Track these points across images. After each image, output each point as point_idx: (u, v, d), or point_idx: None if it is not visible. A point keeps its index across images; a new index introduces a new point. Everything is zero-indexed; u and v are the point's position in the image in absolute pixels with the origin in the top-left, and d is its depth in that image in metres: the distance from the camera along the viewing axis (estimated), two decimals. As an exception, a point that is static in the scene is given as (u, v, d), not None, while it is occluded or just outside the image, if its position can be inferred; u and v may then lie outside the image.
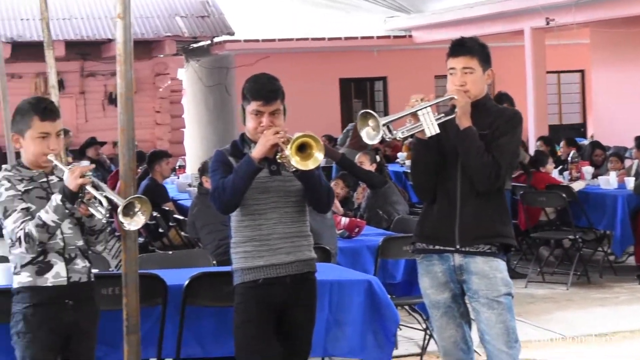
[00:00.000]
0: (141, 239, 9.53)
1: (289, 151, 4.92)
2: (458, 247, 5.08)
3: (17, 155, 7.31)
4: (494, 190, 5.11)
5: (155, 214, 9.73)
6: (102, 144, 16.78)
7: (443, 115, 5.08)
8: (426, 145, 5.09)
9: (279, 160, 5.08)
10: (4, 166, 5.03)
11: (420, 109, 4.95)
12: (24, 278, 4.86)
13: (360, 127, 4.92)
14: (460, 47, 5.18)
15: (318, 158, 4.97)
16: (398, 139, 5.09)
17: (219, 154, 5.27)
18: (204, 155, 14.21)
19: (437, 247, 5.14)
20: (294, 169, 5.01)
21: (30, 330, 4.82)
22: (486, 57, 5.19)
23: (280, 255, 5.14)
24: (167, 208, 10.84)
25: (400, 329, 6.09)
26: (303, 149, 4.96)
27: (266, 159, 5.07)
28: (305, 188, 5.16)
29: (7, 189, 4.84)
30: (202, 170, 9.13)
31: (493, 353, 5.05)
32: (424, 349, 7.77)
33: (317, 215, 5.65)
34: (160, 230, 10.04)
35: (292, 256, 5.17)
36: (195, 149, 19.19)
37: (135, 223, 4.76)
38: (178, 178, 13.74)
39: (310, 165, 4.97)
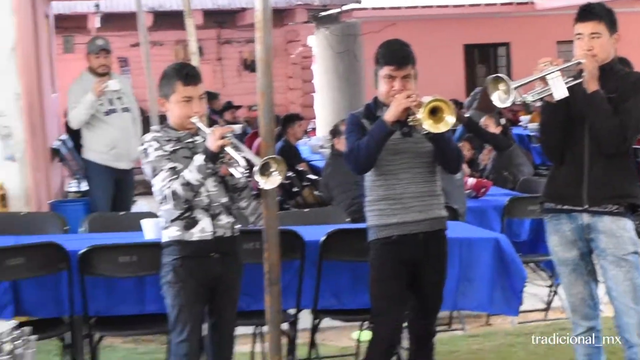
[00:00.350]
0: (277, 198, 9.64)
1: (421, 115, 4.91)
2: (586, 207, 5.01)
3: (161, 118, 7.46)
4: (621, 152, 5.01)
5: (289, 173, 9.83)
6: (238, 107, 16.97)
7: (571, 79, 4.99)
8: (555, 109, 5.02)
9: (410, 123, 5.07)
10: (153, 127, 5.14)
11: (550, 73, 4.88)
12: (173, 232, 4.96)
13: (491, 91, 4.87)
14: (588, 13, 5.07)
15: (449, 121, 4.95)
16: (528, 102, 5.02)
17: (353, 117, 5.30)
18: (333, 119, 14.24)
19: (565, 206, 5.08)
20: (425, 132, 5.01)
21: (179, 281, 4.93)
22: (613, 22, 5.09)
23: (412, 214, 5.15)
24: (301, 168, 10.93)
25: (526, 286, 6.02)
26: (435, 113, 4.94)
27: (398, 121, 5.06)
28: (436, 150, 5.15)
29: (155, 149, 4.94)
30: (334, 133, 9.17)
31: (620, 309, 4.99)
32: (548, 304, 7.71)
33: (446, 176, 5.62)
34: (295, 189, 10.13)
35: (424, 214, 5.18)
36: (325, 112, 19.25)
37: (271, 182, 4.81)
38: (310, 140, 13.83)
39: (441, 128, 4.96)
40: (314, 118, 18.66)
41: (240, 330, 5.29)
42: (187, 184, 4.83)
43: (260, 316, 5.38)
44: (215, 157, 4.84)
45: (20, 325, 2.97)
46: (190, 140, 5.02)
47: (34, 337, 2.97)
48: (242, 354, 6.11)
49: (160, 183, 4.90)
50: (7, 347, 2.84)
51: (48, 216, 7.25)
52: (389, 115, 5.02)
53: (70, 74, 10.07)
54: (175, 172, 4.88)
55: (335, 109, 18.51)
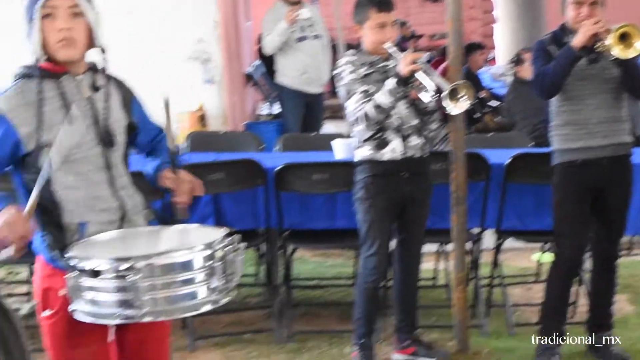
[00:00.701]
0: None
1: (610, 40, 4.74)
2: None
3: (348, 46, 7.46)
4: None
5: (472, 100, 9.70)
6: (420, 37, 16.83)
7: None
8: None
9: (598, 50, 4.90)
10: (348, 52, 5.14)
11: None
12: (365, 152, 4.98)
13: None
14: None
15: (638, 47, 4.76)
16: None
17: (539, 44, 5.16)
18: (513, 48, 13.92)
19: None
20: (613, 58, 4.83)
21: (369, 197, 4.96)
22: None
23: (597, 139, 5.00)
24: (482, 95, 10.78)
25: None
26: (624, 38, 4.76)
27: (585, 47, 4.89)
28: (624, 75, 4.96)
29: (350, 73, 4.94)
30: (516, 61, 9.00)
31: None
32: None
33: (631, 102, 5.43)
34: (476, 115, 10.01)
35: (609, 140, 5.01)
36: (504, 42, 18.86)
37: (459, 107, 4.73)
38: (490, 68, 13.61)
39: (631, 54, 4.76)
40: (494, 48, 18.33)
41: (424, 247, 5.28)
42: (378, 107, 4.82)
43: (445, 234, 5.37)
44: (405, 81, 4.80)
45: (230, 233, 3.01)
46: (382, 64, 5.00)
47: (243, 244, 3.02)
48: (425, 270, 6.10)
49: (353, 105, 4.91)
50: (219, 253, 2.90)
51: (245, 135, 7.39)
52: (577, 41, 4.86)
53: (262, 3, 10.16)
54: (367, 94, 4.88)
55: (514, 39, 18.10)
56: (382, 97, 4.81)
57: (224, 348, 5.56)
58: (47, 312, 3.15)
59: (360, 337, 5.13)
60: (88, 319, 2.91)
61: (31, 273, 5.97)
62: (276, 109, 10.17)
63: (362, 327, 5.12)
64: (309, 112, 9.00)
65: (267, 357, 5.40)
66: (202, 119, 8.25)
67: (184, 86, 8.21)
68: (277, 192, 5.58)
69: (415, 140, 4.98)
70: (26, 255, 3.10)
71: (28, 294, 6.09)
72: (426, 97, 4.85)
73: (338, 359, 5.33)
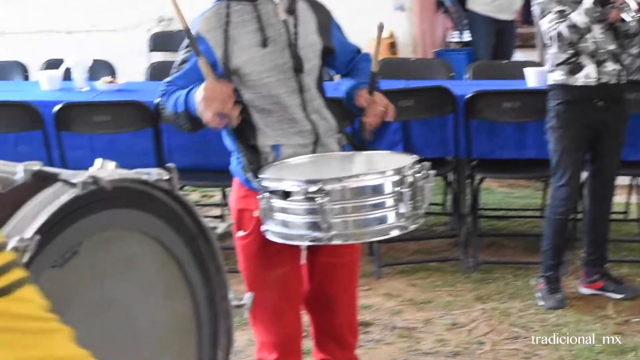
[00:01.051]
0: None
1: None
2: None
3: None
4: None
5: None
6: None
7: None
8: None
9: None
10: None
11: None
12: (558, 76, 4.87)
13: None
14: None
15: None
16: None
17: None
18: None
19: None
20: None
21: (561, 126, 4.86)
22: None
23: None
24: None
25: None
26: None
27: None
28: None
29: None
30: None
31: None
32: None
33: None
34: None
35: None
36: None
37: None
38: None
39: None
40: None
41: (616, 180, 5.14)
42: (572, 26, 4.69)
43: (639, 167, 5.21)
44: (605, 1, 4.64)
45: (420, 160, 3.00)
46: None
47: (432, 172, 3.00)
48: (617, 203, 5.97)
49: (547, 24, 4.80)
50: (409, 179, 2.89)
51: (435, 63, 7.33)
52: None
53: None
54: (563, 15, 4.75)
55: None
56: (578, 17, 4.68)
57: (409, 276, 5.61)
58: (242, 233, 3.24)
59: (547, 269, 5.08)
60: (278, 240, 2.98)
61: (224, 196, 6.18)
62: (466, 36, 10.03)
63: (549, 260, 5.06)
64: (499, 39, 8.84)
65: (451, 286, 5.42)
66: (392, 46, 8.23)
67: (374, 13, 8.19)
68: (466, 120, 5.53)
69: (610, 66, 4.82)
70: (219, 178, 3.18)
71: (221, 216, 6.30)
72: (628, 17, 4.69)
73: (523, 291, 5.28)
